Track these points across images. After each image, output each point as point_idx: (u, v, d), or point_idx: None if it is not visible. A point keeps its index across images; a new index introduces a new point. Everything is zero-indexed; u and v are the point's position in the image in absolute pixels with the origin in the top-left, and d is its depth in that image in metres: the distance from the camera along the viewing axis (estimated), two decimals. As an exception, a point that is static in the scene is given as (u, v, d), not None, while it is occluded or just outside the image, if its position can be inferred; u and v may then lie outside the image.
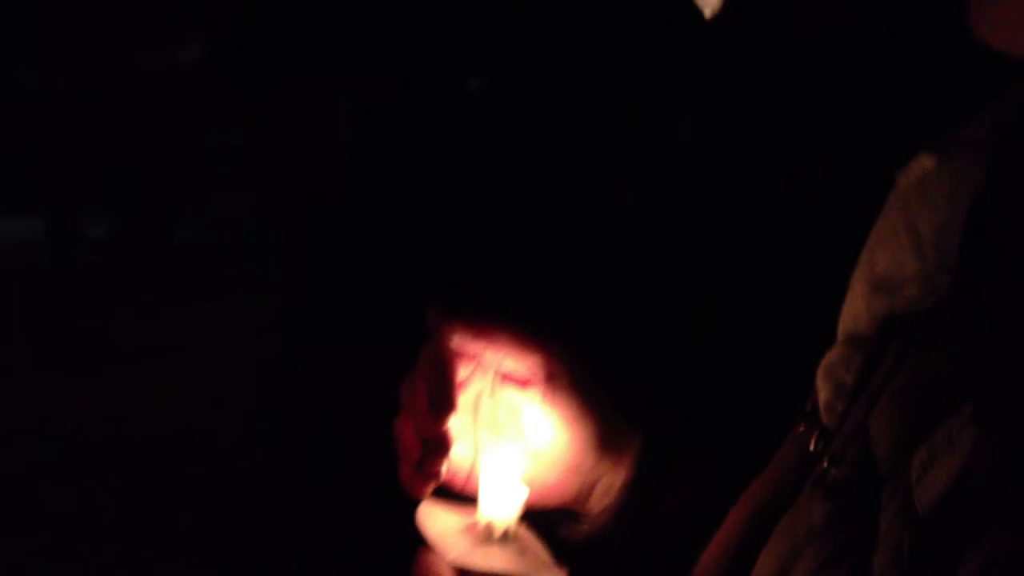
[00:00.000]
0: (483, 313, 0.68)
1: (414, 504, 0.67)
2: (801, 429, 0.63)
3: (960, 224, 0.53)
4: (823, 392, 0.61)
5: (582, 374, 0.71)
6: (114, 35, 4.35)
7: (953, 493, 0.44)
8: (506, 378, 0.70)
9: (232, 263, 4.33)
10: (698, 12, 1.75)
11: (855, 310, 0.60)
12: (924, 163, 0.57)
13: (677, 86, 1.81)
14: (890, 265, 0.57)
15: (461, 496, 0.70)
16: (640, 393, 0.75)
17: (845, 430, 0.57)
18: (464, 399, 0.69)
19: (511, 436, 0.70)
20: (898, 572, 0.44)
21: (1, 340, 3.70)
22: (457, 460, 0.69)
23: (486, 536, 0.66)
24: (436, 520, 0.66)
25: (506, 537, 0.66)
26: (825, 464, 0.56)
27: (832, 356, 0.61)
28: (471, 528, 0.66)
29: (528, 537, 0.67)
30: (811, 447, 0.60)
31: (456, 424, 0.67)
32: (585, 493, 0.72)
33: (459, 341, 0.68)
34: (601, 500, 0.72)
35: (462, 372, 0.69)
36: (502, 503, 0.66)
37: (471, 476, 0.70)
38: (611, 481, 0.72)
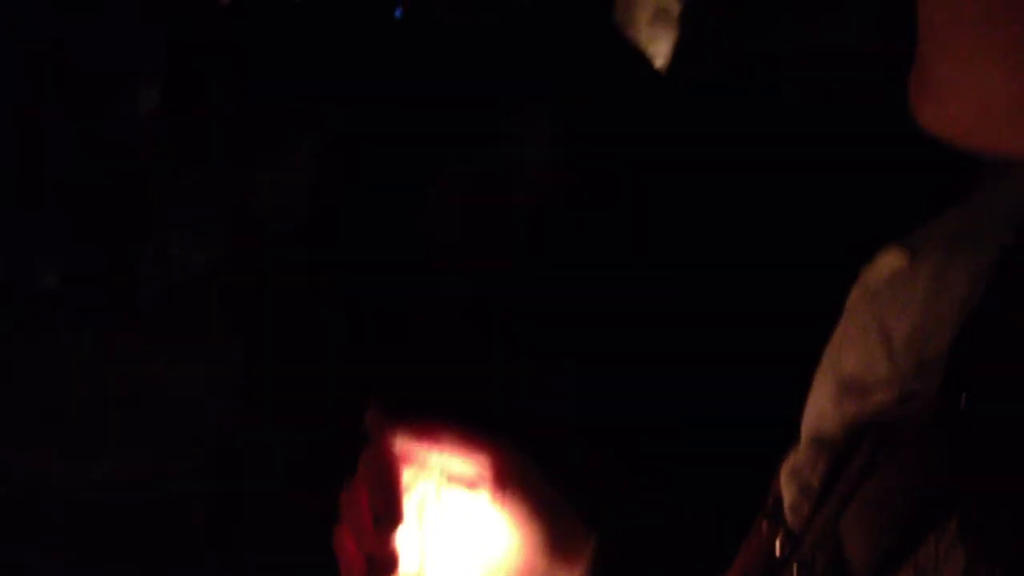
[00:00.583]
0: (426, 411, 0.65)
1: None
2: (764, 528, 0.61)
3: (937, 327, 0.51)
4: (787, 494, 0.59)
5: (533, 472, 0.68)
6: (73, 81, 4.34)
7: None
8: (453, 480, 0.67)
9: (193, 308, 4.30)
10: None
11: (820, 410, 0.57)
12: (894, 260, 0.54)
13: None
14: (858, 366, 0.55)
15: None
16: (594, 490, 0.72)
17: (813, 534, 0.55)
18: (408, 504, 0.66)
19: (460, 542, 0.67)
20: None
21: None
22: (403, 572, 0.66)
23: None
24: None
25: None
26: (795, 571, 0.54)
27: (796, 457, 0.59)
28: None
29: None
30: (777, 551, 0.58)
31: (402, 536, 0.64)
32: None
33: (402, 443, 0.65)
34: None
35: (406, 476, 0.65)
36: None
37: None
38: None
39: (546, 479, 0.67)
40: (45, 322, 4.34)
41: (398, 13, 7.20)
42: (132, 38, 4.47)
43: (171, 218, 4.82)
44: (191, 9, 6.27)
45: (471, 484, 0.66)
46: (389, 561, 0.62)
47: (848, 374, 0.54)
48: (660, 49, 1.66)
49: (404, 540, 0.64)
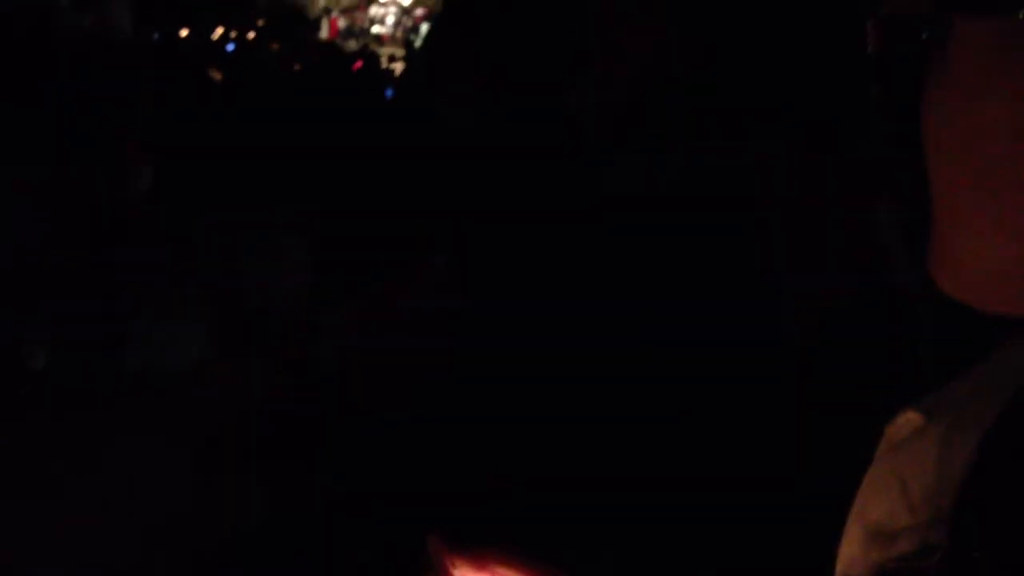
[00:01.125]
0: (486, 544, 0.69)
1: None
2: None
3: (949, 484, 0.55)
4: None
5: None
6: (64, 160, 4.36)
7: None
8: None
9: (180, 390, 4.28)
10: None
11: (850, 555, 0.62)
12: (913, 419, 0.59)
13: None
14: (883, 515, 0.59)
15: None
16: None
17: None
18: None
19: None
20: None
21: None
22: None
23: None
24: None
25: None
26: None
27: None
28: None
29: None
30: None
31: None
32: None
33: (461, 573, 0.69)
34: None
35: None
36: None
37: None
38: None
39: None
40: (31, 404, 4.32)
41: (388, 94, 7.30)
42: (121, 117, 4.51)
43: (158, 297, 4.84)
44: (180, 89, 6.35)
45: None
46: None
47: (874, 522, 0.59)
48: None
49: None
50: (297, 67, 10.26)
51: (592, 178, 0.99)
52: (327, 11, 24.20)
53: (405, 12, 24.39)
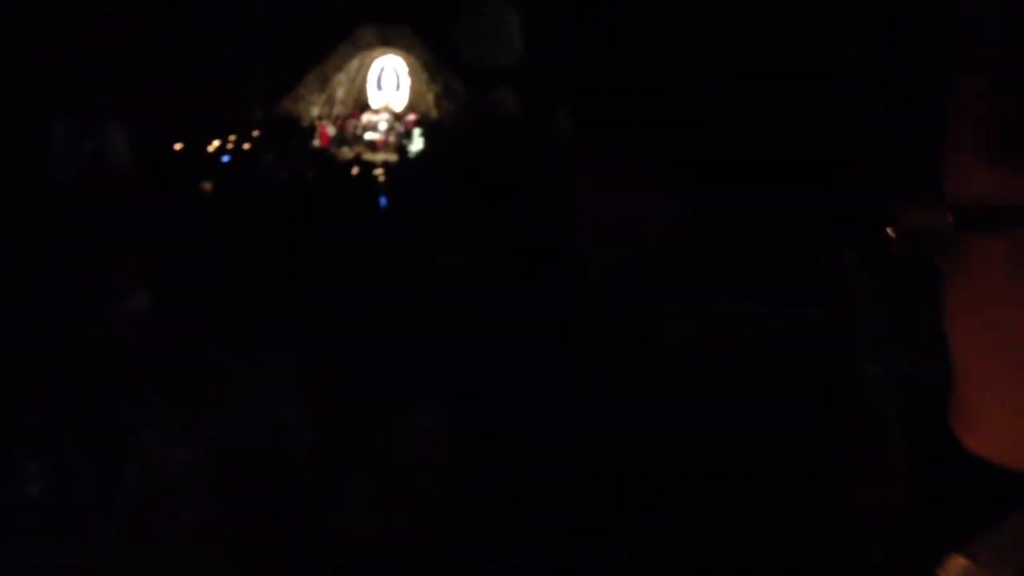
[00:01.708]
0: None
1: None
2: None
3: None
4: None
5: None
6: (57, 284, 4.38)
7: None
8: None
9: (178, 511, 4.24)
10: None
11: None
12: (959, 563, 0.62)
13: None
14: None
15: None
16: None
17: None
18: None
19: None
20: None
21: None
22: None
23: None
24: None
25: None
26: None
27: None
28: None
29: None
30: None
31: None
32: None
33: None
34: None
35: None
36: None
37: None
38: None
39: None
40: (28, 532, 4.27)
41: (383, 201, 7.39)
42: (119, 240, 4.54)
43: (153, 418, 4.83)
44: (177, 208, 6.43)
45: None
46: None
47: None
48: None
49: None
50: (290, 177, 10.41)
51: (579, 337, 0.99)
52: (320, 119, 24.67)
53: (397, 118, 24.85)
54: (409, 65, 25.44)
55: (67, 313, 4.36)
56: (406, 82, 25.57)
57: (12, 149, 4.55)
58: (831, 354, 0.93)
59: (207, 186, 8.09)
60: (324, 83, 25.45)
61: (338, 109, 25.50)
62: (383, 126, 24.76)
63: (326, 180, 9.35)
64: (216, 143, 18.00)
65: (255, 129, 21.54)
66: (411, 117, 24.75)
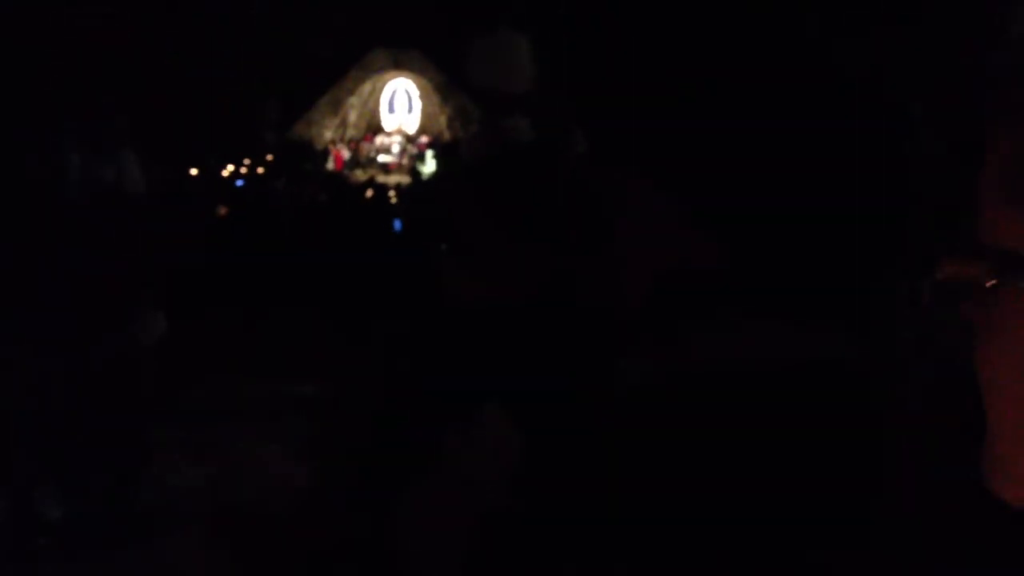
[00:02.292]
0: None
1: None
2: None
3: None
4: None
5: None
6: (77, 311, 4.41)
7: None
8: None
9: (197, 538, 4.25)
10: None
11: None
12: None
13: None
14: None
15: None
16: None
17: None
18: None
19: None
20: None
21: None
22: None
23: None
24: None
25: None
26: None
27: None
28: None
29: None
30: None
31: None
32: None
33: None
34: None
35: None
36: None
37: None
38: None
39: None
40: (48, 555, 4.29)
41: (397, 225, 7.42)
42: (133, 270, 4.57)
43: (168, 439, 4.86)
44: (193, 233, 6.48)
45: None
46: None
47: None
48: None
49: None
50: (304, 200, 10.45)
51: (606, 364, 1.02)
52: (333, 143, 24.78)
53: (410, 140, 24.95)
54: (420, 87, 25.55)
55: (83, 336, 4.38)
56: (418, 104, 25.67)
57: (29, 175, 4.60)
58: (868, 384, 0.94)
59: (222, 210, 8.15)
60: (337, 107, 25.58)
61: (351, 132, 25.62)
62: (396, 148, 24.86)
63: (340, 203, 9.40)
64: (230, 168, 18.09)
65: (269, 153, 21.65)
66: (423, 139, 24.84)
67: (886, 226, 1.01)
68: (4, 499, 4.40)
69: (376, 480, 1.64)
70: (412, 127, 25.50)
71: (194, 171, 14.66)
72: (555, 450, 1.12)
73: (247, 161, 19.88)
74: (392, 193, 11.44)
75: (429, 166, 22.63)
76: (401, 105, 25.73)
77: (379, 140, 25.17)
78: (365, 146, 25.01)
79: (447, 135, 24.52)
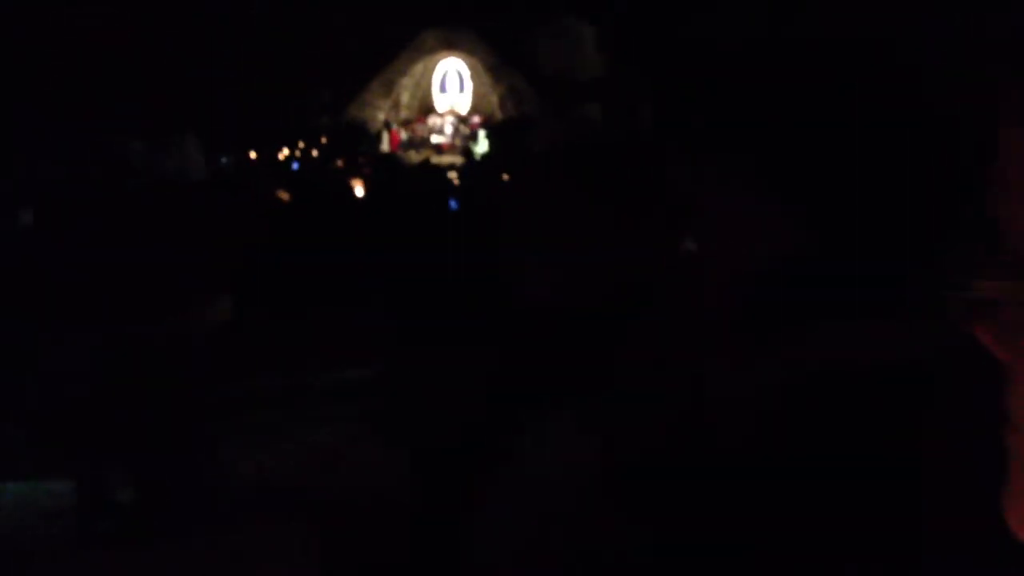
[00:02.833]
0: None
1: None
2: None
3: None
4: None
5: None
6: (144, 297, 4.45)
7: None
8: None
9: (267, 525, 4.27)
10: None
11: None
12: None
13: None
14: None
15: None
16: None
17: None
18: None
19: None
20: None
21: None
22: None
23: None
24: None
25: None
26: None
27: None
28: None
29: None
30: None
31: None
32: None
33: None
34: None
35: None
36: None
37: None
38: None
39: None
40: (119, 539, 4.36)
41: (453, 205, 7.39)
42: (197, 254, 4.61)
43: (231, 427, 4.91)
44: (252, 213, 6.52)
45: None
46: None
47: None
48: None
49: None
50: (360, 182, 10.49)
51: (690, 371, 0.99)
52: (387, 124, 24.88)
53: (462, 121, 24.96)
54: (472, 67, 25.54)
55: (150, 320, 4.43)
56: (469, 84, 25.66)
57: (97, 164, 4.66)
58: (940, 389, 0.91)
59: (282, 194, 8.20)
60: (389, 88, 25.66)
61: (403, 113, 25.70)
62: (448, 129, 24.90)
63: (396, 184, 9.41)
64: (286, 151, 18.24)
65: (323, 136, 21.80)
66: (475, 119, 24.85)
67: (945, 229, 0.97)
68: (77, 484, 4.47)
69: (450, 478, 1.62)
70: (464, 107, 25.50)
71: (252, 154, 14.80)
72: (636, 458, 1.09)
73: (301, 144, 20.04)
74: (449, 174, 11.43)
75: (482, 146, 22.63)
76: (453, 86, 25.74)
77: (431, 121, 25.22)
78: (418, 127, 25.08)
79: (499, 115, 24.50)
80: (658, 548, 0.97)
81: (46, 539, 4.32)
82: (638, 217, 1.42)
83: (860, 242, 0.90)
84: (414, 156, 21.38)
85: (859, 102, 0.94)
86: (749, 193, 0.93)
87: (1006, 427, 0.56)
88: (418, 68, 25.82)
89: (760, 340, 0.93)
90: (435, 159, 19.06)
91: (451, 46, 25.52)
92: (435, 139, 24.62)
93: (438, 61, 25.75)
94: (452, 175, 11.60)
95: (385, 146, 23.82)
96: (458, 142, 24.12)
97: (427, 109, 25.70)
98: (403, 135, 24.52)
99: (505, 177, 7.32)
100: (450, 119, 25.14)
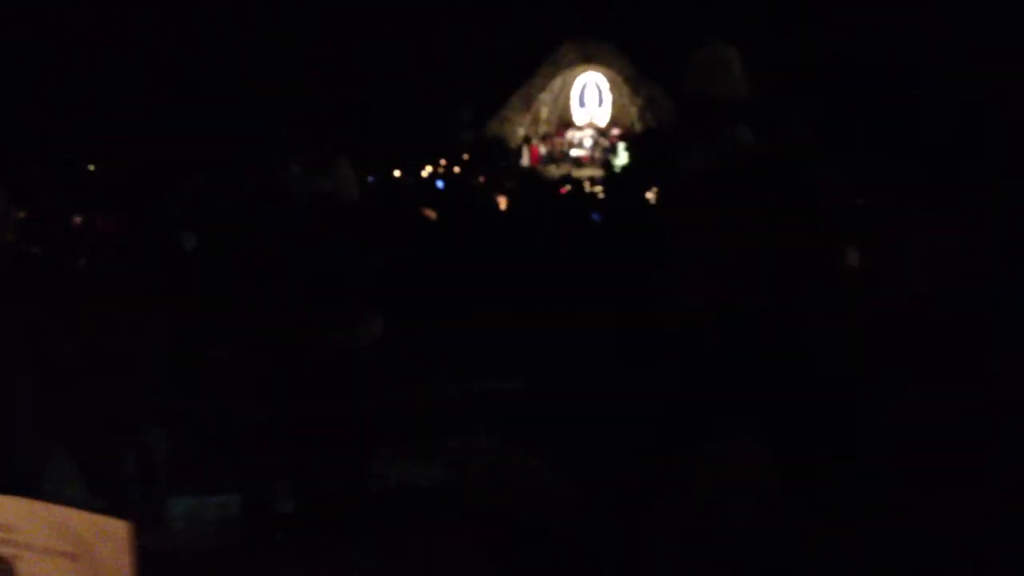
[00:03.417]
0: None
1: None
2: None
3: None
4: None
5: None
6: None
7: None
8: None
9: (427, 534, 4.34)
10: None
11: None
12: None
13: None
14: None
15: None
16: None
17: None
18: None
19: None
20: None
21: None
22: None
23: None
24: None
25: None
26: None
27: None
28: None
29: None
30: None
31: None
32: None
33: None
34: None
35: None
36: None
37: None
38: None
39: None
40: (282, 548, 4.50)
41: (595, 217, 7.40)
42: (351, 273, 4.72)
43: (384, 438, 5.01)
44: (403, 234, 6.67)
45: None
46: None
47: None
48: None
49: None
50: (503, 197, 10.60)
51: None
52: (527, 139, 25.08)
53: (601, 134, 24.96)
54: (611, 80, 25.52)
55: (307, 337, 4.57)
56: (608, 97, 25.64)
57: (254, 187, 4.86)
58: None
59: (428, 212, 8.36)
60: (528, 103, 25.87)
61: (543, 128, 25.85)
62: (587, 142, 24.92)
63: (539, 198, 9.48)
64: (429, 168, 18.57)
65: (464, 152, 22.12)
66: (615, 131, 24.80)
67: None
68: (242, 496, 4.64)
69: (622, 492, 1.64)
70: (603, 120, 25.49)
71: (397, 173, 15.13)
72: (811, 480, 1.08)
73: (443, 161, 20.38)
74: (591, 187, 11.46)
75: (621, 158, 22.56)
76: (592, 98, 25.77)
77: (570, 134, 25.29)
78: (557, 141, 25.18)
79: (639, 126, 24.39)
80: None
81: (215, 548, 4.51)
82: (800, 234, 1.42)
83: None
84: (554, 170, 21.49)
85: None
86: (929, 212, 0.92)
87: None
88: (557, 82, 25.94)
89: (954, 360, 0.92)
90: (575, 172, 19.11)
91: (590, 59, 25.56)
92: (574, 152, 24.67)
93: (577, 75, 25.82)
94: (593, 188, 11.63)
95: (525, 160, 24.00)
96: (597, 155, 24.12)
97: (566, 123, 25.79)
98: (542, 149, 24.65)
99: (650, 190, 7.30)
100: (589, 132, 25.16)
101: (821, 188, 1.33)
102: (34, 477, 3.01)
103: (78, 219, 6.96)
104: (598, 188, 11.69)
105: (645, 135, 21.96)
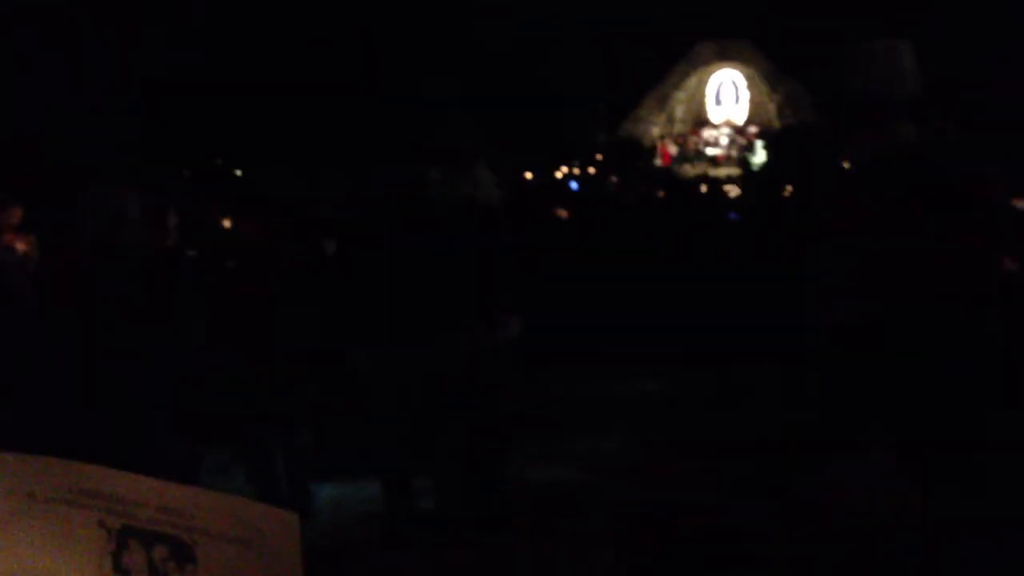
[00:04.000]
0: None
1: None
2: None
3: None
4: None
5: None
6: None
7: None
8: None
9: (567, 531, 4.36)
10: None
11: None
12: None
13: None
14: None
15: None
16: None
17: None
18: None
19: None
20: None
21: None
22: None
23: None
24: None
25: None
26: None
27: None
28: None
29: None
30: None
31: None
32: None
33: None
34: None
35: None
36: None
37: None
38: None
39: None
40: (422, 543, 4.60)
41: (732, 217, 7.32)
42: (490, 275, 4.79)
43: (522, 436, 5.06)
44: (533, 232, 6.71)
45: None
46: None
47: None
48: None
49: None
50: (637, 198, 10.54)
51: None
52: (661, 138, 24.89)
53: (738, 132, 24.58)
54: (748, 77, 25.11)
55: (446, 338, 4.66)
56: (745, 94, 25.24)
57: (394, 191, 4.97)
58: None
59: (563, 213, 8.39)
60: (663, 102, 25.68)
61: (678, 127, 25.62)
62: (724, 140, 24.57)
63: (674, 199, 9.41)
64: (563, 170, 18.62)
65: (598, 153, 22.10)
66: (752, 129, 24.38)
67: None
68: (384, 490, 4.76)
69: (757, 494, 1.63)
70: (740, 118, 25.11)
71: (528, 175, 15.22)
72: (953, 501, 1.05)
73: (576, 162, 20.40)
74: (729, 187, 11.30)
75: (759, 156, 22.17)
76: (728, 97, 25.41)
77: (706, 133, 24.99)
78: (692, 140, 24.91)
79: (777, 123, 23.93)
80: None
81: (356, 540, 4.63)
82: (961, 236, 1.39)
83: None
84: (689, 169, 21.27)
85: None
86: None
87: None
88: (692, 81, 25.68)
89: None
90: (712, 172, 18.87)
91: (726, 57, 25.21)
92: (710, 151, 24.36)
93: (712, 72, 25.50)
94: (731, 188, 11.47)
95: (659, 160, 23.83)
96: (734, 153, 23.76)
97: (701, 121, 25.49)
98: (673, 149, 24.43)
99: (788, 189, 7.16)
100: (725, 130, 24.81)
101: (993, 187, 1.30)
102: (195, 470, 3.16)
103: (226, 223, 7.24)
104: (731, 187, 11.52)
105: (787, 132, 21.51)
